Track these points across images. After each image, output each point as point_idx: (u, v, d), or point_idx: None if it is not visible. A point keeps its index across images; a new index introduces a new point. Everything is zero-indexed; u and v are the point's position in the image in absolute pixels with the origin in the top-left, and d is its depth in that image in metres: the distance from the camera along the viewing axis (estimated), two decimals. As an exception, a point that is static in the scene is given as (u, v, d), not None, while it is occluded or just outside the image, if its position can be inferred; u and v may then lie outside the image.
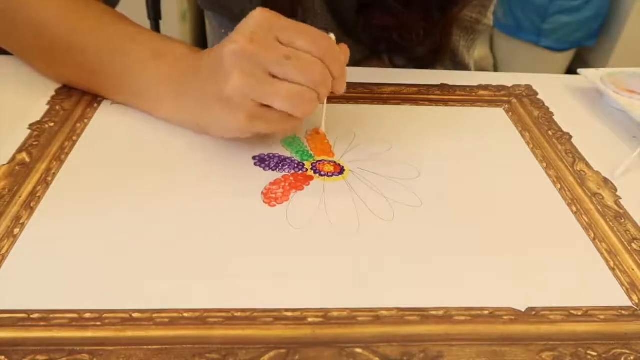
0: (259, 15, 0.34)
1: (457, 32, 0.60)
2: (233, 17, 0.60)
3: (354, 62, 0.60)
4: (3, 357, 0.25)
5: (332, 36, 0.37)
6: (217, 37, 0.70)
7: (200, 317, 0.28)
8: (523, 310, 0.29)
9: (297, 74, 0.34)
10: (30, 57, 0.46)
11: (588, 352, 0.28)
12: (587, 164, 0.42)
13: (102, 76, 0.42)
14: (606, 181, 0.40)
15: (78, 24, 0.43)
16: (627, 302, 0.31)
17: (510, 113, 0.48)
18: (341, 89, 0.37)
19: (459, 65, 0.62)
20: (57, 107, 0.43)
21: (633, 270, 0.32)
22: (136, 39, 0.42)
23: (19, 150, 0.38)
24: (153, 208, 0.34)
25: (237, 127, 0.36)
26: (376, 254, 0.32)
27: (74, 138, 0.40)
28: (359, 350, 0.27)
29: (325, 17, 0.57)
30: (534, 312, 0.29)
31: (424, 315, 0.29)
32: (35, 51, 0.45)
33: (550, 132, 0.45)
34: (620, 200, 0.38)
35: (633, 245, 0.34)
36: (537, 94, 0.51)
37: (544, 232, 0.35)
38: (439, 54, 0.58)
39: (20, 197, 0.34)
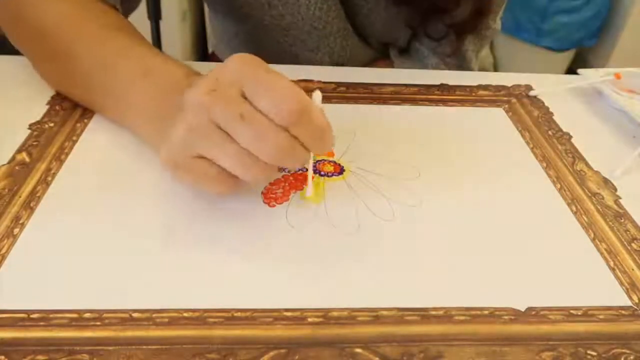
0: (234, 62, 0.30)
1: (469, 38, 0.59)
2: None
3: (362, 65, 0.60)
4: (3, 357, 0.25)
5: (318, 94, 0.32)
6: (217, 38, 0.71)
7: (200, 317, 0.28)
8: (523, 310, 0.29)
9: (248, 138, 0.29)
10: (32, 57, 0.45)
11: (588, 352, 0.28)
12: (587, 164, 0.42)
13: (92, 91, 0.40)
14: (606, 181, 0.40)
15: (76, 34, 0.40)
16: (627, 302, 0.31)
17: (510, 113, 0.48)
18: (322, 151, 0.32)
19: (465, 69, 0.62)
20: (57, 107, 0.43)
21: (633, 270, 0.32)
22: (128, 54, 0.38)
23: (19, 150, 0.38)
24: (153, 208, 0.34)
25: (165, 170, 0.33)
26: (376, 254, 0.32)
27: (74, 138, 0.40)
28: (359, 350, 0.27)
29: None
30: (534, 312, 0.29)
31: (424, 315, 0.29)
32: (36, 53, 0.44)
33: (550, 132, 0.45)
34: (620, 200, 0.38)
35: (633, 245, 0.34)
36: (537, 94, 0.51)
37: (544, 232, 0.35)
38: (482, 15, 0.55)
39: (20, 197, 0.34)
